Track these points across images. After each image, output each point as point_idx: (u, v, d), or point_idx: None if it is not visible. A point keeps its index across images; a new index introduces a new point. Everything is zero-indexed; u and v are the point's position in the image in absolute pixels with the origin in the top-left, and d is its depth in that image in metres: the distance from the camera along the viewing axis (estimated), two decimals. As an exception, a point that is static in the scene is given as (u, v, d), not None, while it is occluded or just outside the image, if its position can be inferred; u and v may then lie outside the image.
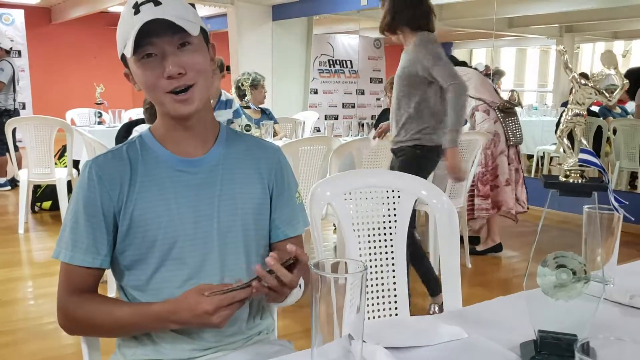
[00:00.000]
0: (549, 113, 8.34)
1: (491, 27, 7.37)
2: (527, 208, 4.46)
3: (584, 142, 0.87)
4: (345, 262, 0.90)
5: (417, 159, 3.01)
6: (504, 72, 9.54)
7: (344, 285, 0.84)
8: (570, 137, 0.95)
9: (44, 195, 5.48)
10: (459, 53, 13.45)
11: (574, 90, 0.86)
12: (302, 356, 0.95)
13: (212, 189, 1.24)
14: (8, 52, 6.64)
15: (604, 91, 0.86)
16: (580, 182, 0.88)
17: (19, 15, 10.22)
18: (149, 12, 1.12)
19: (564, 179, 0.89)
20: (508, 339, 1.02)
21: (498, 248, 4.47)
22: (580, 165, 0.88)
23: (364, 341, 0.95)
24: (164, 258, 1.20)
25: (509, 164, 4.31)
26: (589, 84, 0.84)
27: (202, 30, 1.20)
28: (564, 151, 0.89)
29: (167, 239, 1.20)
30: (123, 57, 1.20)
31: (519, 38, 10.54)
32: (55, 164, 5.00)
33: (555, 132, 4.36)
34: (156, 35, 1.13)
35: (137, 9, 1.13)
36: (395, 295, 1.69)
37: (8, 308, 3.33)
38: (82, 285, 1.21)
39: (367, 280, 1.59)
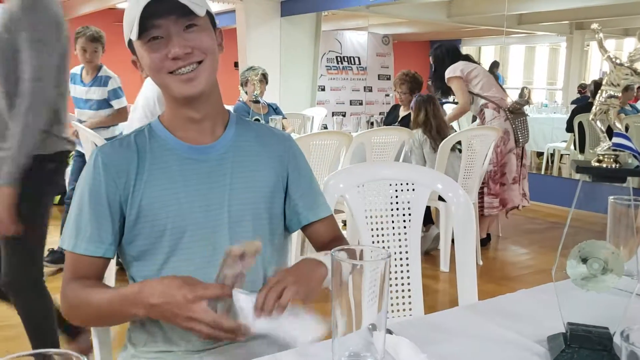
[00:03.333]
0: (558, 110, 8.27)
1: (500, 24, 7.31)
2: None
3: (619, 125, 0.83)
4: (368, 250, 0.87)
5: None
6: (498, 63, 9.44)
7: (366, 274, 0.81)
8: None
9: (52, 190, 5.46)
10: (467, 50, 13.32)
11: (608, 71, 0.83)
12: (322, 347, 0.92)
13: (222, 177, 1.21)
14: None
15: (641, 71, 0.82)
16: (614, 167, 0.85)
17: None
18: None
19: (596, 164, 0.85)
20: (534, 332, 0.98)
21: (484, 242, 4.42)
22: (613, 150, 0.84)
23: (391, 332, 0.92)
24: (173, 248, 1.18)
25: (516, 160, 4.28)
26: (625, 64, 0.81)
27: (209, 14, 1.18)
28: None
29: (176, 229, 1.17)
30: (130, 43, 1.18)
31: (528, 35, 10.47)
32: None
33: (567, 129, 4.32)
34: (161, 17, 1.11)
35: None
36: (409, 290, 1.66)
37: (16, 302, 3.31)
38: (86, 274, 1.18)
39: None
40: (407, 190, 1.67)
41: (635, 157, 0.83)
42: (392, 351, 0.88)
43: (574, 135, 6.36)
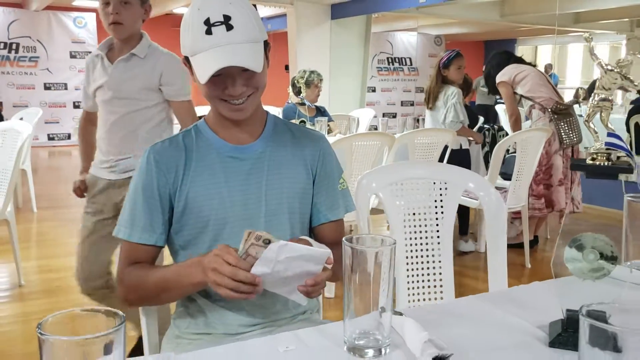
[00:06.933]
0: (617, 110, 8.04)
1: (555, 23, 7.19)
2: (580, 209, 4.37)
3: (611, 126, 0.89)
4: (369, 238, 0.95)
5: None
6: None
7: (369, 260, 0.90)
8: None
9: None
10: (523, 50, 13.12)
11: (600, 76, 0.88)
12: (336, 326, 1.01)
13: (259, 174, 1.33)
14: None
15: (629, 76, 0.87)
16: (606, 164, 0.90)
17: (91, 19, 10.72)
18: (222, 39, 1.18)
19: (590, 162, 0.91)
20: (539, 319, 1.05)
21: (531, 244, 4.34)
22: (607, 149, 0.90)
23: (401, 313, 1.01)
24: (216, 238, 1.30)
25: (564, 162, 4.22)
26: (615, 70, 0.86)
27: (266, 44, 1.27)
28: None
29: (218, 221, 1.30)
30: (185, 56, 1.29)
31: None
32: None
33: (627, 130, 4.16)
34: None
35: (209, 27, 1.19)
36: (440, 280, 1.71)
37: (72, 294, 3.52)
38: (140, 261, 1.32)
39: (407, 263, 1.62)
40: (440, 188, 1.73)
41: (627, 155, 0.88)
42: (398, 329, 0.96)
43: (630, 136, 6.19)
